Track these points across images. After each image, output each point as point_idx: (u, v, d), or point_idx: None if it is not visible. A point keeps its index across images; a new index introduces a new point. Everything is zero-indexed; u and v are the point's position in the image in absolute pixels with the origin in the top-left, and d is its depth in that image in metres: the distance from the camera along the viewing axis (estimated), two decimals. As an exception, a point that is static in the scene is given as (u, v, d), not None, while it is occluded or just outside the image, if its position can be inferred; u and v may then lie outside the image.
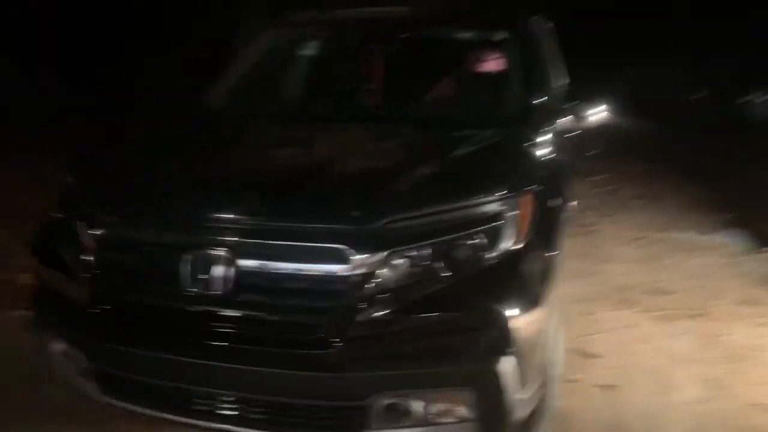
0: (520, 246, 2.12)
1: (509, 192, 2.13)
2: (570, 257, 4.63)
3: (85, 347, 2.20)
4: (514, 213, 2.12)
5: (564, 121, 3.08)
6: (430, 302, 2.00)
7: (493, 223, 2.08)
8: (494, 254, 2.08)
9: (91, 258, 2.16)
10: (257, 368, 1.97)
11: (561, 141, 2.95)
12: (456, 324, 2.02)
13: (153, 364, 2.07)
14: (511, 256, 2.10)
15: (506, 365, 2.04)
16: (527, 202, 2.18)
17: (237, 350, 1.98)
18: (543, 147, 2.67)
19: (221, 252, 1.99)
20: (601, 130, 4.98)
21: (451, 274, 2.03)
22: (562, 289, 3.92)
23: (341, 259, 1.96)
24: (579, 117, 3.15)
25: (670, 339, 3.51)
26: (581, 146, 3.80)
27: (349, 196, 2.10)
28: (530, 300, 2.09)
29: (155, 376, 2.11)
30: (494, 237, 2.08)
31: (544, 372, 2.26)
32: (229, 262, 1.98)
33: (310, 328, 1.97)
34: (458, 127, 2.73)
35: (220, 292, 1.99)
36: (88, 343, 2.18)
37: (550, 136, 2.82)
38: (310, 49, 3.58)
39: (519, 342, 2.06)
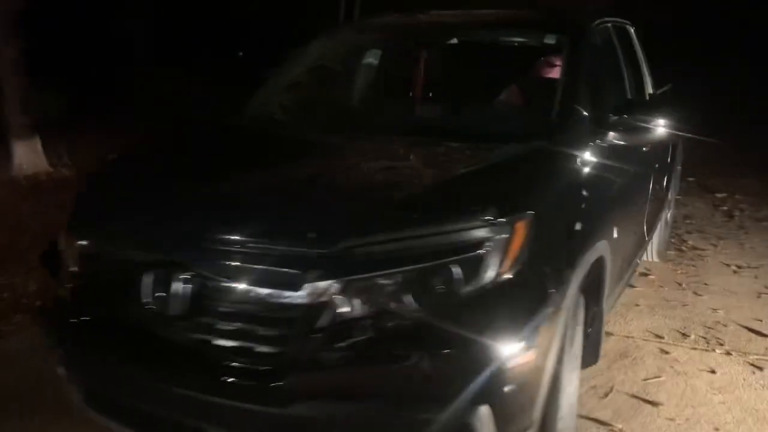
0: (507, 279, 1.85)
1: (496, 217, 1.86)
2: (660, 286, 4.22)
3: (67, 356, 2.22)
4: (500, 242, 1.85)
5: (623, 134, 2.71)
6: (393, 339, 1.79)
7: (474, 252, 1.83)
8: (474, 287, 1.82)
9: (75, 269, 2.17)
10: (205, 395, 1.86)
11: (609, 158, 2.61)
12: (422, 365, 1.78)
13: (116, 380, 2.05)
14: (495, 291, 1.83)
15: (480, 417, 1.79)
16: (520, 229, 1.90)
17: (188, 374, 1.89)
18: (571, 164, 2.36)
19: (179, 271, 1.89)
20: (676, 143, 4.47)
21: (420, 307, 1.80)
22: (628, 323, 3.58)
23: (293, 284, 1.79)
24: (642, 130, 2.75)
25: (752, 391, 3.00)
26: (650, 161, 3.37)
27: (309, 216, 1.92)
28: (517, 341, 1.82)
29: (118, 392, 2.08)
30: (474, 268, 1.82)
31: (539, 425, 1.96)
32: (187, 281, 1.89)
33: (259, 358, 1.82)
34: (482, 140, 2.46)
35: (175, 312, 1.90)
36: (69, 353, 2.20)
37: (590, 152, 2.49)
38: (351, 60, 3.44)
39: (498, 390, 1.80)
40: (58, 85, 9.87)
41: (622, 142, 2.72)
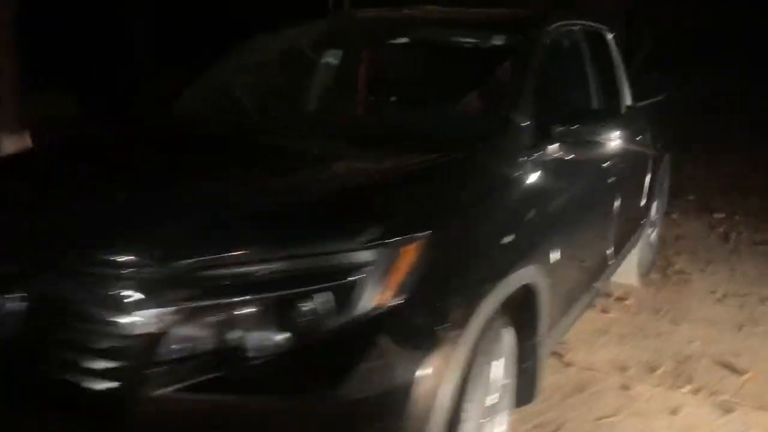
0: (388, 310, 1.58)
1: (378, 239, 1.60)
2: (635, 313, 3.90)
3: None
4: (381, 267, 1.59)
5: (572, 147, 2.43)
6: (245, 380, 1.53)
7: (346, 279, 1.56)
8: (345, 320, 1.55)
9: None
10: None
11: (549, 173, 2.33)
12: (276, 413, 1.53)
13: None
14: (371, 324, 1.57)
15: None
16: (408, 252, 1.63)
17: (15, 411, 1.64)
18: (492, 179, 2.09)
19: (11, 289, 1.65)
20: (659, 158, 4.16)
21: (280, 342, 1.54)
22: (593, 353, 3.27)
23: (126, 309, 1.53)
24: (597, 144, 2.47)
25: (717, 436, 2.70)
26: (614, 178, 3.06)
27: (153, 231, 1.65)
28: (395, 384, 1.55)
29: None
30: (346, 297, 1.56)
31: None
32: (18, 300, 1.63)
33: (87, 395, 1.57)
34: (401, 148, 2.18)
35: (9, 335, 1.65)
36: None
37: (523, 165, 2.22)
38: (288, 58, 3.18)
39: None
40: (58, 84, 9.80)
41: (571, 156, 2.43)
